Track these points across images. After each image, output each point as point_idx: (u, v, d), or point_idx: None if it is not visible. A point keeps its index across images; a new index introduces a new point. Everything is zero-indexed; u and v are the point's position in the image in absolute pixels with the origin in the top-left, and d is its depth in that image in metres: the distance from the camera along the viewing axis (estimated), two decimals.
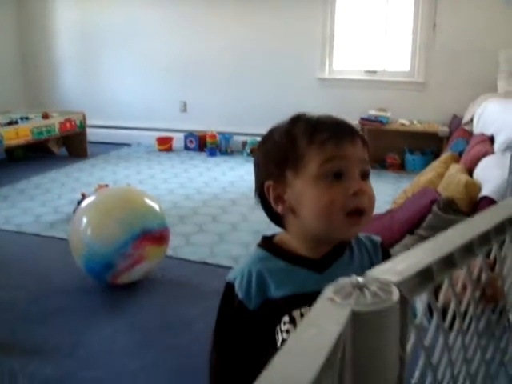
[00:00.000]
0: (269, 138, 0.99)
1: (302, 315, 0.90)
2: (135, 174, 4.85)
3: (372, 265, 0.85)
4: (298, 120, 0.95)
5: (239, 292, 0.91)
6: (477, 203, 2.71)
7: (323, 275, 0.92)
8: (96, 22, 6.35)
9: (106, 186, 3.67)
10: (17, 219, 3.58)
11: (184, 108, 6.16)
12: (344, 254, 0.96)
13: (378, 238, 1.02)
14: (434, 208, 2.61)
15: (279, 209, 0.93)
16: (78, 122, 5.49)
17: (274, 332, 0.92)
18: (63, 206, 3.87)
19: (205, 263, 2.90)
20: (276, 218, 0.97)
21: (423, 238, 2.61)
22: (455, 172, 3.14)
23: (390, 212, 3.22)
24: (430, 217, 2.63)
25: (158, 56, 6.10)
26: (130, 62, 6.25)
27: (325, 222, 0.89)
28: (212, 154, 5.65)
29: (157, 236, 2.46)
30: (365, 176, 0.92)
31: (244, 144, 5.72)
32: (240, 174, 4.88)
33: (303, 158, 0.90)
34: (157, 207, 2.56)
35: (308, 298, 0.86)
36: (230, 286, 0.93)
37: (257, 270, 0.92)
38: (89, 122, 5.73)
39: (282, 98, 5.56)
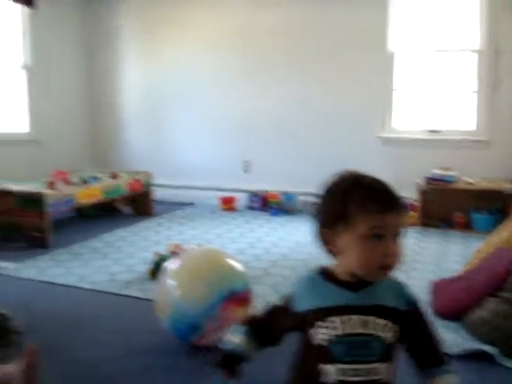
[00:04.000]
0: (329, 192, 1.27)
1: (342, 322, 1.21)
2: (202, 234, 4.88)
3: (391, 296, 1.26)
4: (355, 184, 1.23)
5: (293, 295, 1.31)
6: None
7: (358, 294, 1.25)
8: (161, 82, 6.61)
9: (179, 246, 3.70)
10: (92, 277, 3.62)
11: (247, 167, 6.23)
12: (372, 283, 1.25)
13: (397, 280, 1.32)
14: None
15: (332, 249, 1.26)
16: (144, 182, 5.61)
17: (310, 330, 1.25)
18: (136, 264, 3.91)
19: None
20: (330, 252, 1.29)
21: (509, 301, 2.53)
22: None
23: (465, 273, 3.13)
24: None
25: (221, 114, 6.27)
26: (194, 120, 6.43)
27: (363, 270, 1.22)
28: (275, 213, 5.66)
29: (242, 298, 2.44)
30: (396, 235, 1.21)
31: (307, 203, 5.71)
32: (306, 235, 4.85)
33: (353, 220, 1.19)
34: (241, 268, 2.55)
35: (345, 310, 1.22)
36: (285, 295, 1.35)
37: (309, 285, 1.29)
38: (154, 180, 5.85)
39: (344, 157, 5.58)
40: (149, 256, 4.03)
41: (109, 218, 5.59)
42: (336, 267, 1.28)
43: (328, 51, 5.74)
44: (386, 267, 1.20)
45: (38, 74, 6.39)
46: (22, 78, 6.29)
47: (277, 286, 3.39)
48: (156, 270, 3.50)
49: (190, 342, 2.46)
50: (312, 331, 1.25)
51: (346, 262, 1.23)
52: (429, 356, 1.29)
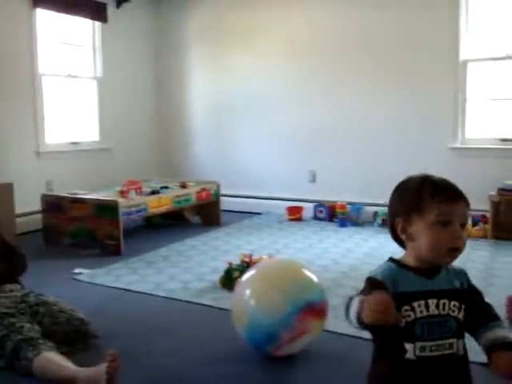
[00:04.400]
0: (402, 188, 1.46)
1: (418, 306, 1.37)
2: (271, 244, 4.90)
3: (457, 280, 1.43)
4: (425, 180, 1.42)
5: (382, 278, 1.40)
6: None
7: (433, 280, 1.41)
8: (228, 93, 6.69)
9: (249, 256, 3.73)
10: (166, 285, 3.70)
11: (313, 178, 6.23)
12: (441, 270, 1.43)
13: (460, 267, 1.48)
14: None
15: (403, 237, 1.43)
16: (212, 192, 5.70)
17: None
18: (207, 273, 3.96)
19: (359, 338, 2.82)
20: (400, 242, 1.47)
21: None
22: None
23: None
24: None
25: (287, 126, 6.30)
26: (261, 131, 6.48)
27: (433, 253, 1.37)
28: (343, 224, 5.63)
29: (318, 309, 2.44)
30: (463, 225, 1.38)
31: (375, 215, 5.65)
32: (374, 246, 4.81)
33: (426, 209, 1.37)
34: (316, 279, 2.55)
35: (423, 295, 1.38)
36: (371, 278, 1.41)
37: (390, 272, 1.41)
38: (221, 190, 5.92)
39: (413, 168, 5.45)
40: (219, 265, 4.09)
41: (177, 227, 5.70)
42: (405, 257, 1.45)
43: (395, 59, 5.66)
44: (454, 249, 1.36)
45: (108, 85, 6.62)
46: (93, 88, 6.53)
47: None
48: (227, 279, 3.55)
49: (266, 351, 2.48)
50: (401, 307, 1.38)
51: (417, 248, 1.40)
52: (487, 315, 1.45)
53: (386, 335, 1.41)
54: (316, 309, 2.43)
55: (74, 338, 2.71)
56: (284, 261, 2.95)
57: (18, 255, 3.13)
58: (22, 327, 2.44)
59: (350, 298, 1.43)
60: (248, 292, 2.45)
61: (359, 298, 1.37)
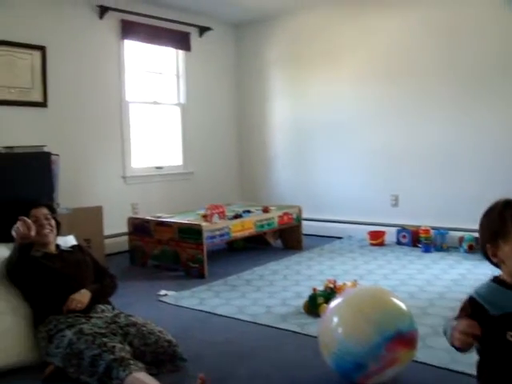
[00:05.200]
0: (487, 214, 1.58)
1: None
2: (353, 269, 4.84)
3: None
4: (508, 205, 1.53)
5: (482, 301, 1.54)
6: None
7: None
8: (308, 118, 6.73)
9: (335, 281, 3.70)
10: (250, 309, 3.72)
11: (396, 202, 6.11)
12: None
13: None
14: None
15: (495, 261, 1.56)
16: (294, 216, 5.70)
17: (504, 335, 1.50)
18: (290, 298, 3.95)
19: (447, 369, 2.72)
20: (495, 264, 1.58)
21: None
22: None
23: None
24: None
25: (368, 149, 6.23)
26: (342, 155, 6.45)
27: None
28: (427, 249, 5.47)
29: (408, 338, 2.38)
30: None
31: (461, 240, 5.47)
32: (461, 273, 4.64)
33: (510, 234, 1.49)
34: (404, 307, 2.49)
35: None
36: (472, 298, 1.57)
37: (492, 293, 1.53)
38: (302, 214, 5.91)
39: (497, 192, 5.26)
40: (302, 290, 4.08)
41: (259, 251, 5.73)
42: (502, 275, 1.58)
43: (486, 86, 5.48)
44: None
45: (191, 111, 6.82)
46: (176, 114, 6.73)
47: (437, 327, 3.26)
48: (312, 305, 3.52)
49: (354, 380, 2.43)
50: (506, 331, 1.49)
51: (508, 270, 1.52)
52: None
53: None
54: (406, 338, 2.36)
55: (163, 359, 2.76)
56: (372, 288, 2.90)
57: (109, 276, 3.25)
58: (113, 347, 2.50)
59: (448, 321, 1.60)
60: (336, 319, 2.42)
61: (451, 323, 1.55)
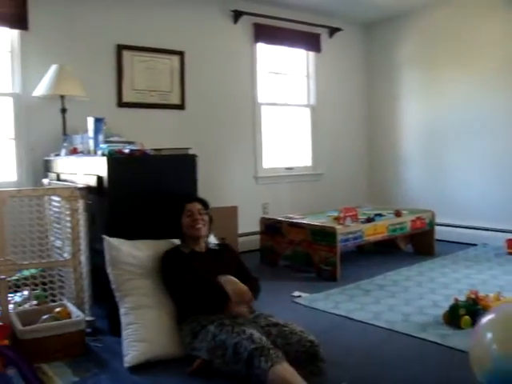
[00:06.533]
0: None
1: None
2: (491, 279, 4.61)
3: None
4: None
5: None
6: None
7: None
8: (442, 119, 6.50)
9: (477, 292, 3.56)
10: (386, 316, 3.67)
11: None
12: None
13: None
14: None
15: None
16: (427, 220, 5.55)
17: None
18: (427, 307, 3.85)
19: None
20: None
21: None
22: None
23: None
24: None
25: (507, 152, 5.89)
26: (476, 159, 6.16)
27: None
28: None
29: None
30: None
31: None
32: None
33: None
34: None
35: None
36: None
37: None
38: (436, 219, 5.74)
39: None
40: (439, 299, 3.97)
41: (389, 256, 5.64)
42: None
43: None
44: None
45: (321, 113, 6.84)
46: (306, 116, 6.78)
47: None
48: (453, 315, 3.42)
49: None
50: None
51: None
52: None
53: None
54: None
55: (304, 359, 2.75)
56: None
57: (253, 278, 3.31)
58: (251, 334, 2.55)
59: None
60: (488, 336, 2.33)
61: None
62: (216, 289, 2.93)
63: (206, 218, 3.32)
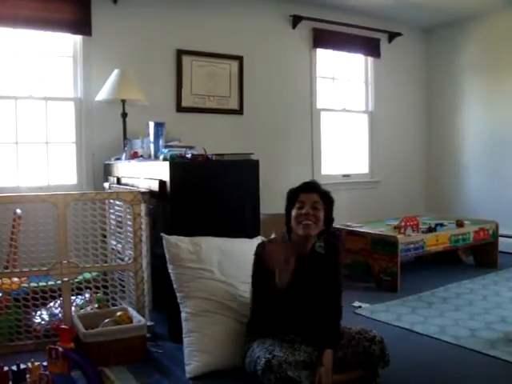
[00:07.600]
0: None
1: None
2: None
3: None
4: None
5: None
6: None
7: None
8: (506, 129, 6.24)
9: None
10: (451, 330, 3.53)
11: None
12: None
13: None
14: None
15: None
16: (490, 231, 5.36)
17: None
18: (495, 323, 3.68)
19: None
20: None
21: None
22: None
23: None
24: None
25: None
26: None
27: None
28: None
29: None
30: None
31: None
32: None
33: None
34: None
35: None
36: None
37: None
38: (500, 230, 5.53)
39: None
40: (507, 314, 3.83)
41: (449, 267, 5.47)
42: None
43: None
44: None
45: (379, 119, 6.72)
46: (364, 122, 6.67)
47: None
48: None
49: None
50: None
51: None
52: None
53: None
54: None
55: (363, 360, 2.61)
56: None
57: (333, 313, 2.93)
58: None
59: None
60: None
61: None
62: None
63: (320, 214, 2.66)
